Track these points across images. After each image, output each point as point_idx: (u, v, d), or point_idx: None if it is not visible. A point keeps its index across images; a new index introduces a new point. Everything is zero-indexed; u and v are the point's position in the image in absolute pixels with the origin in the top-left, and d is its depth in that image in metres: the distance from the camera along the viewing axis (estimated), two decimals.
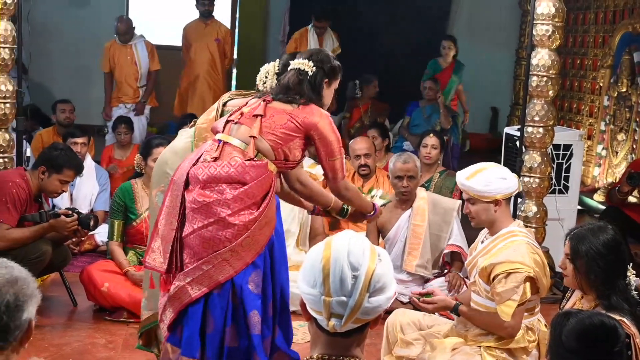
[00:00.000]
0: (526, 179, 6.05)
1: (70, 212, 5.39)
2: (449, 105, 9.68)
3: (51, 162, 5.33)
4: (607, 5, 9.66)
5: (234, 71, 11.28)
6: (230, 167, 3.65)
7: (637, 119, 8.70)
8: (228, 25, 10.98)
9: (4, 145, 5.78)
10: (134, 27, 9.42)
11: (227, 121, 3.85)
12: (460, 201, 5.85)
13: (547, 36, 5.92)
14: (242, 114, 3.83)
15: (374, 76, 9.78)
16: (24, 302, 2.14)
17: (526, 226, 4.74)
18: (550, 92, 6.02)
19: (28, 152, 6.55)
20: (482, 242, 4.21)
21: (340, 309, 2.07)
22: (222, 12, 10.82)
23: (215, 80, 9.78)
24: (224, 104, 4.06)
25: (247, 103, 3.90)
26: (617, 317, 3.03)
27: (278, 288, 3.82)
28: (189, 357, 3.63)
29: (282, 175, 4.03)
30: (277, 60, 4.08)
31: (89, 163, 7.21)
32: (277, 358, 3.83)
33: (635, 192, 7.19)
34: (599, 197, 8.95)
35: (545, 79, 5.98)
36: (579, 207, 7.32)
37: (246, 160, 3.68)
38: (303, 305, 2.17)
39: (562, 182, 6.84)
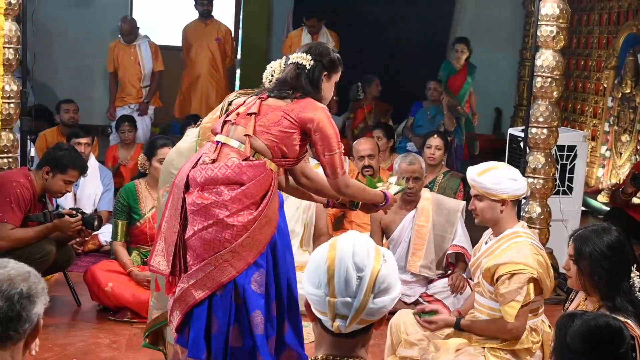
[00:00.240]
0: (530, 180, 6.04)
1: (74, 212, 5.40)
2: (463, 108, 9.63)
3: (55, 163, 5.34)
4: (611, 6, 9.65)
5: (238, 71, 11.28)
6: (227, 168, 3.65)
7: None
8: (231, 25, 10.98)
9: (8, 145, 5.79)
10: (138, 28, 9.43)
11: (225, 122, 3.84)
12: (464, 202, 5.85)
13: (552, 37, 5.92)
14: (238, 114, 3.82)
15: (374, 76, 9.75)
16: (35, 296, 2.17)
17: (530, 227, 4.74)
18: (555, 93, 6.02)
19: (32, 152, 6.57)
20: (486, 242, 4.21)
21: (345, 310, 2.07)
22: (225, 12, 10.82)
23: (216, 80, 9.78)
24: (229, 103, 4.05)
25: (244, 102, 3.87)
26: (622, 319, 3.03)
27: (284, 285, 3.81)
28: (195, 358, 3.64)
29: (287, 172, 4.03)
30: (284, 57, 4.06)
31: (92, 163, 7.21)
32: (287, 355, 3.83)
33: (639, 194, 7.18)
34: (602, 198, 8.94)
35: (549, 79, 5.97)
36: (583, 208, 7.31)
37: (243, 160, 3.67)
38: (308, 305, 2.17)
39: (566, 183, 6.83)
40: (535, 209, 6.12)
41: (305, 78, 3.81)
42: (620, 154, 9.11)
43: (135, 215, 5.65)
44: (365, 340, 2.17)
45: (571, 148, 6.80)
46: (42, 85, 10.32)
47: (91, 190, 7.16)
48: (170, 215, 3.78)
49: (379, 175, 6.79)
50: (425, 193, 5.86)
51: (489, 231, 4.25)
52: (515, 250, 3.96)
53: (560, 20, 5.92)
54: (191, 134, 4.20)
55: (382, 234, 5.89)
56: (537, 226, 6.05)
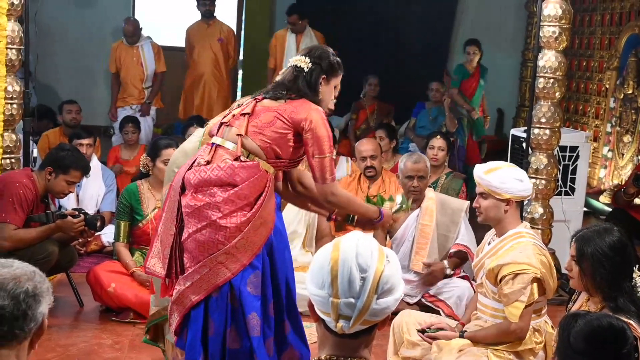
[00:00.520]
0: (532, 181, 6.04)
1: (76, 212, 5.40)
2: (477, 111, 9.56)
3: (58, 163, 5.34)
4: (614, 7, 9.65)
5: (240, 72, 11.28)
6: (219, 169, 3.65)
7: None
8: (234, 26, 10.98)
9: (11, 145, 5.79)
10: (141, 29, 9.44)
11: (221, 124, 3.84)
12: (468, 202, 5.86)
13: (554, 38, 5.92)
14: (233, 115, 3.82)
15: (372, 76, 9.72)
16: (40, 295, 2.17)
17: (532, 228, 4.74)
18: (557, 94, 6.02)
19: (35, 153, 6.57)
20: (489, 243, 4.21)
21: (349, 311, 2.08)
22: (228, 12, 10.82)
23: (219, 81, 9.76)
24: (239, 106, 4.05)
25: (241, 104, 3.88)
26: (625, 320, 3.03)
27: (282, 286, 3.80)
28: None
29: (285, 178, 4.03)
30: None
31: (95, 164, 7.21)
32: (289, 354, 3.83)
33: None
34: (604, 198, 8.95)
35: (551, 80, 5.97)
36: (585, 209, 7.31)
37: (235, 160, 3.67)
38: (311, 306, 2.17)
39: (568, 183, 6.83)
40: (538, 209, 6.12)
41: (302, 81, 3.79)
42: (623, 154, 9.11)
43: (138, 216, 5.65)
44: (368, 341, 2.17)
45: (573, 149, 6.80)
46: (45, 85, 10.34)
47: (93, 191, 7.16)
48: (167, 217, 3.79)
49: (381, 175, 6.80)
50: (429, 193, 5.86)
51: (492, 231, 4.25)
52: (519, 251, 3.96)
53: (563, 21, 5.92)
54: (195, 135, 4.21)
55: (386, 233, 5.90)
56: (540, 227, 6.05)
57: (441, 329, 4.19)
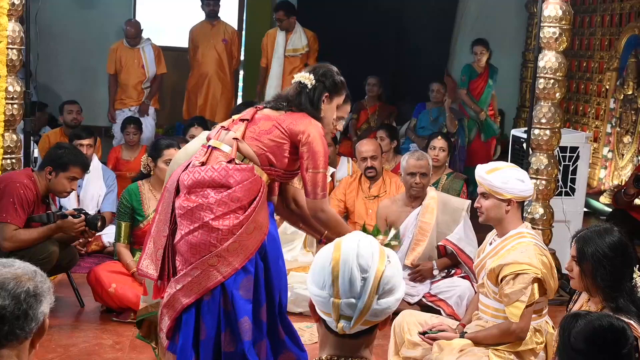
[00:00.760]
0: (533, 181, 6.04)
1: (77, 212, 5.40)
2: (486, 112, 9.50)
3: (57, 162, 5.33)
4: (614, 8, 9.65)
5: (241, 72, 11.28)
6: (213, 170, 3.66)
7: None
8: (235, 26, 10.98)
9: (11, 146, 5.80)
10: (142, 30, 9.44)
11: (220, 128, 3.88)
12: (469, 201, 5.88)
13: (554, 39, 5.93)
14: (233, 120, 3.87)
15: (371, 77, 9.71)
16: (41, 294, 2.17)
17: (533, 228, 4.75)
18: (557, 95, 6.03)
19: (35, 153, 6.57)
20: (490, 244, 4.22)
21: (349, 311, 2.08)
22: (229, 13, 10.82)
23: (223, 82, 9.73)
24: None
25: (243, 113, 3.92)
26: (625, 320, 3.03)
27: (276, 291, 3.81)
28: None
29: (280, 193, 4.03)
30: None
31: (95, 164, 7.21)
32: (285, 356, 3.84)
33: None
34: (604, 199, 8.95)
35: (552, 81, 5.98)
36: (585, 209, 7.31)
37: (229, 162, 3.68)
38: (312, 306, 2.17)
39: (569, 184, 6.83)
40: (538, 210, 6.13)
41: (305, 96, 3.83)
42: (622, 155, 9.11)
43: (139, 216, 5.65)
44: (369, 341, 2.17)
45: (573, 149, 6.81)
46: (46, 86, 10.34)
47: (94, 191, 7.16)
48: (160, 219, 3.80)
49: (381, 176, 6.80)
50: (431, 192, 5.89)
51: (493, 232, 4.26)
52: (520, 251, 3.97)
53: (563, 22, 5.92)
54: (200, 137, 4.22)
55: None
56: (540, 227, 6.05)
57: (442, 331, 4.20)
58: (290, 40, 9.31)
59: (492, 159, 9.41)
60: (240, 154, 3.73)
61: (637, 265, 3.52)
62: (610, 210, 8.09)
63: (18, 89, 5.76)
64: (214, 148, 3.78)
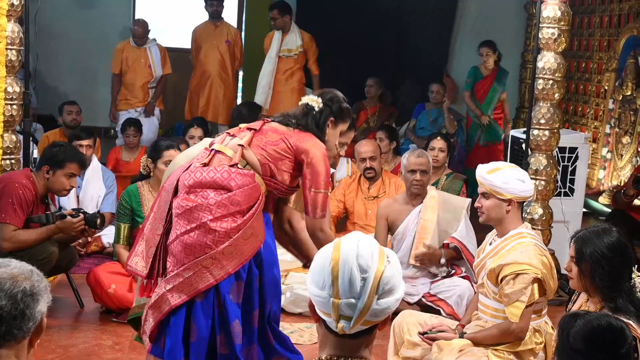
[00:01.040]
0: (532, 182, 6.05)
1: (75, 212, 5.39)
2: (490, 116, 9.38)
3: (52, 160, 5.32)
4: (612, 9, 9.66)
5: (240, 73, 11.29)
6: (216, 172, 3.68)
7: None
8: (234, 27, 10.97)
9: (11, 146, 5.80)
10: (149, 30, 9.43)
11: (226, 134, 3.92)
12: (470, 199, 5.89)
13: (553, 39, 5.93)
14: (240, 128, 3.91)
15: (370, 78, 9.68)
16: (38, 294, 2.16)
17: (532, 228, 4.76)
18: (556, 95, 6.03)
19: (35, 154, 6.57)
20: (490, 244, 4.23)
21: (349, 311, 2.08)
22: (229, 13, 10.82)
23: (225, 83, 9.68)
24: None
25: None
26: (624, 320, 3.04)
27: (269, 298, 3.83)
28: None
29: (275, 213, 4.04)
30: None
31: (95, 165, 7.21)
32: None
33: None
34: (604, 199, 8.95)
35: (551, 82, 5.99)
36: (584, 210, 7.32)
37: (231, 165, 3.71)
38: (312, 306, 2.18)
39: (568, 184, 6.84)
40: (537, 210, 6.13)
41: (311, 118, 3.91)
42: (621, 155, 9.12)
43: (138, 218, 5.63)
44: (369, 341, 2.18)
45: (572, 150, 6.81)
46: (46, 86, 10.34)
47: (94, 192, 7.15)
48: (155, 217, 3.80)
49: (381, 176, 6.80)
50: (431, 191, 5.90)
51: (493, 232, 4.27)
52: (520, 251, 3.98)
53: (562, 23, 5.93)
54: (203, 143, 4.23)
55: (388, 231, 5.93)
56: (539, 227, 6.06)
57: (442, 331, 4.20)
58: (286, 41, 9.30)
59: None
60: (243, 160, 3.77)
61: (636, 266, 3.52)
62: (609, 210, 8.10)
63: (17, 89, 5.76)
64: (217, 151, 3.80)
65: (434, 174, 6.77)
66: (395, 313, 4.06)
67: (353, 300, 2.08)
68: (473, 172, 4.45)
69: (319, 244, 3.87)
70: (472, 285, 5.47)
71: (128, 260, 3.89)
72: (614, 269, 3.43)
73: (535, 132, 6.09)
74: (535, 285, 3.91)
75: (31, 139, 6.15)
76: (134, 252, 3.87)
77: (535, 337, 4.05)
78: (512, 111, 12.01)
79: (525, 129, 6.37)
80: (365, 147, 6.77)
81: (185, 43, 10.13)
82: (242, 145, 3.78)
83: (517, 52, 11.88)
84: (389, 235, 5.93)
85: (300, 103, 4.02)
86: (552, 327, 4.11)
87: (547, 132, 6.06)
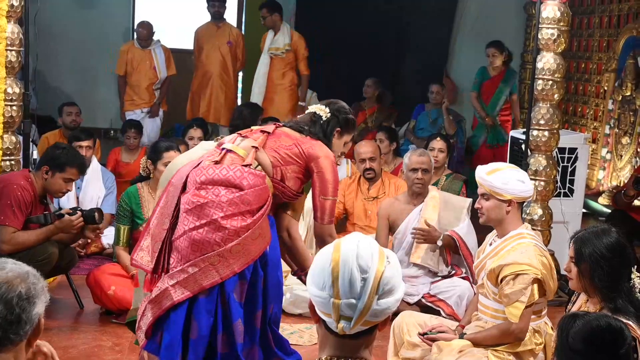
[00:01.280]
0: (531, 182, 6.05)
1: (72, 210, 5.38)
2: (495, 118, 9.27)
3: (54, 162, 5.32)
4: (612, 9, 9.67)
5: (240, 73, 11.29)
6: (228, 170, 3.70)
7: None
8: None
9: (10, 147, 5.80)
10: (154, 32, 9.42)
11: (237, 135, 3.95)
12: (470, 199, 5.90)
13: (553, 40, 5.94)
14: (251, 130, 3.96)
15: (369, 79, 9.66)
16: (34, 296, 2.15)
17: (532, 229, 4.76)
18: (556, 96, 6.04)
19: (35, 155, 6.57)
20: (490, 244, 4.23)
21: (349, 311, 2.09)
22: (229, 13, 10.81)
23: (227, 84, 9.65)
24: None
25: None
26: (624, 320, 3.04)
27: (272, 300, 3.84)
28: None
29: (275, 219, 4.06)
30: (309, 100, 4.21)
31: (94, 166, 7.20)
32: None
33: None
34: (603, 200, 8.96)
35: (550, 82, 5.99)
36: (584, 210, 7.32)
37: (244, 165, 3.72)
38: (312, 307, 2.18)
39: (567, 185, 6.84)
40: (537, 211, 6.13)
41: (319, 127, 4.00)
42: (621, 156, 9.13)
43: (138, 219, 5.63)
44: (369, 342, 2.18)
45: (572, 150, 6.81)
46: (46, 87, 10.34)
47: (94, 192, 7.15)
48: (162, 212, 3.80)
49: (380, 177, 6.81)
50: (432, 191, 5.91)
51: (493, 233, 4.27)
52: (520, 252, 3.98)
53: (561, 23, 5.93)
54: (205, 146, 4.25)
55: (389, 230, 5.93)
56: (539, 228, 6.06)
57: (442, 332, 4.20)
58: (275, 40, 9.32)
59: None
60: (255, 161, 3.82)
61: (635, 266, 3.53)
62: (609, 211, 8.10)
63: (17, 90, 5.76)
64: (229, 150, 3.82)
65: (434, 174, 6.78)
66: (395, 314, 4.08)
67: (353, 301, 2.08)
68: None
69: None
70: (472, 286, 5.48)
71: (133, 254, 3.90)
72: (613, 269, 3.43)
73: (535, 132, 6.09)
74: (535, 285, 3.92)
75: (31, 140, 6.15)
76: (139, 246, 3.87)
77: (535, 338, 4.05)
78: None
79: (524, 129, 6.37)
80: (364, 148, 6.77)
81: (185, 44, 10.12)
82: (255, 147, 3.82)
83: (517, 53, 11.87)
84: (390, 237, 5.94)
85: (307, 111, 4.09)
86: (551, 328, 4.11)
87: (546, 133, 6.06)
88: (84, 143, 7.10)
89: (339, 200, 6.74)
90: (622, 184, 8.55)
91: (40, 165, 5.35)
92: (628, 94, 9.02)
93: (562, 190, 6.76)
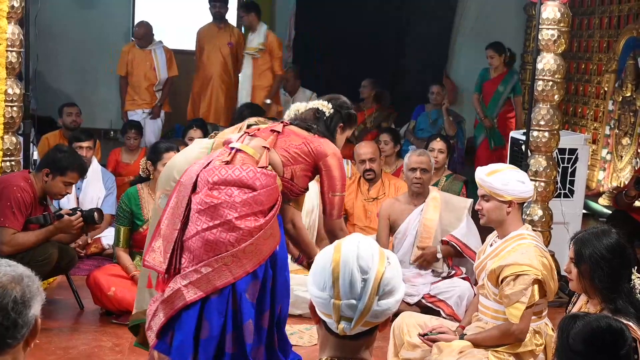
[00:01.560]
0: (532, 183, 6.05)
1: (72, 211, 5.38)
2: (494, 120, 9.13)
3: (55, 165, 5.32)
4: (612, 10, 9.67)
5: (240, 75, 11.29)
6: (241, 171, 3.71)
7: None
8: None
9: (11, 148, 5.80)
10: (153, 34, 9.40)
11: (243, 134, 3.96)
12: (471, 200, 5.91)
13: (553, 41, 5.94)
14: (259, 129, 3.98)
15: (366, 80, 9.63)
16: (30, 299, 2.13)
17: (532, 230, 4.76)
18: (556, 97, 6.04)
19: (35, 155, 6.57)
20: (491, 245, 4.23)
21: (350, 312, 2.08)
22: (228, 15, 10.81)
23: (227, 85, 9.61)
24: (248, 127, 4.16)
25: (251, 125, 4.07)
26: (624, 321, 3.04)
27: (279, 300, 3.86)
28: None
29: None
30: (309, 102, 4.22)
31: (95, 167, 7.20)
32: None
33: None
34: (603, 201, 8.95)
35: (550, 83, 5.99)
36: (584, 211, 7.32)
37: (258, 167, 3.75)
38: (312, 308, 2.18)
39: (568, 186, 6.84)
40: (537, 211, 6.13)
41: (322, 124, 4.03)
42: (621, 157, 9.13)
43: (138, 221, 5.62)
44: (369, 342, 2.18)
45: (572, 151, 6.81)
46: (45, 88, 10.33)
47: (94, 193, 7.14)
48: (173, 212, 3.80)
49: (380, 178, 6.81)
50: (433, 192, 5.92)
51: (494, 233, 4.27)
52: (520, 252, 3.98)
53: (561, 24, 5.93)
54: (201, 144, 4.24)
55: (389, 230, 5.94)
56: (539, 229, 6.05)
57: (442, 333, 4.20)
58: (252, 37, 9.35)
59: None
60: (267, 160, 3.83)
61: (636, 267, 3.53)
62: (609, 212, 8.10)
63: (17, 91, 5.76)
64: (239, 150, 3.82)
65: (434, 175, 6.78)
66: (395, 314, 4.08)
67: (354, 302, 2.08)
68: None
69: None
70: (472, 287, 5.48)
71: (145, 255, 3.88)
72: (613, 270, 3.43)
73: (535, 133, 6.09)
74: (536, 286, 3.92)
75: (31, 141, 6.15)
76: (150, 248, 3.86)
77: (536, 339, 4.05)
78: None
79: (525, 130, 6.37)
80: (364, 149, 6.78)
81: (185, 44, 10.12)
82: (267, 147, 3.83)
83: (517, 53, 11.89)
84: (390, 236, 5.94)
85: (308, 107, 4.10)
86: (552, 329, 4.11)
87: (546, 134, 6.06)
88: (85, 144, 7.11)
89: None
90: (622, 185, 8.55)
91: (41, 168, 5.35)
92: (628, 94, 9.02)
93: (562, 191, 6.75)
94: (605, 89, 9.66)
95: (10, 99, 5.72)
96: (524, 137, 6.36)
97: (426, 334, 4.21)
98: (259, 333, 3.76)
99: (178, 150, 5.66)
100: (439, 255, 5.75)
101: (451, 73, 11.35)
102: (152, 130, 9.05)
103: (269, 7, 11.75)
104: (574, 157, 6.81)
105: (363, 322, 2.09)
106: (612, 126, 9.44)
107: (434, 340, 4.15)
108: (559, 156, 6.63)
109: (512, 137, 7.18)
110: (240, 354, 3.69)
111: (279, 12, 11.85)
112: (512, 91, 9.23)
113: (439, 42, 11.40)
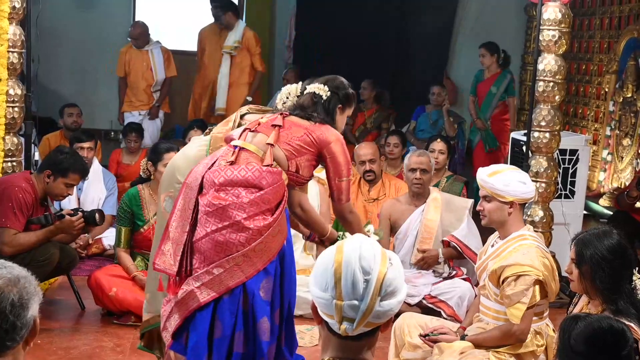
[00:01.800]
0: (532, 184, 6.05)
1: (73, 211, 5.39)
2: (487, 121, 8.97)
3: (57, 166, 5.33)
4: (613, 11, 9.67)
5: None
6: (247, 171, 3.70)
7: None
8: None
9: (12, 149, 5.81)
10: (149, 34, 9.39)
11: (244, 129, 3.92)
12: (472, 200, 5.91)
13: (554, 41, 5.94)
14: (259, 123, 3.93)
15: (365, 81, 9.64)
16: (27, 300, 2.13)
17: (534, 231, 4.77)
18: (557, 97, 6.04)
19: (36, 156, 6.57)
20: (492, 245, 4.24)
21: (352, 313, 2.09)
22: None
23: None
24: (242, 117, 4.14)
25: (263, 117, 4.00)
26: (625, 322, 3.04)
27: (286, 298, 3.86)
28: None
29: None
30: (300, 83, 4.18)
31: (96, 167, 7.20)
32: None
33: None
34: (604, 202, 8.95)
35: (551, 84, 5.99)
36: (585, 212, 7.32)
37: (263, 166, 3.74)
38: (314, 308, 2.18)
39: (568, 186, 6.84)
40: (538, 212, 6.13)
41: (321, 107, 3.98)
42: (622, 157, 9.13)
43: (139, 221, 5.63)
44: (371, 343, 2.18)
45: (573, 152, 6.81)
46: (45, 89, 10.34)
47: (95, 194, 7.14)
48: (181, 215, 3.79)
49: (380, 179, 6.81)
50: (434, 192, 5.93)
51: (495, 234, 4.28)
52: (522, 253, 3.98)
53: (562, 25, 5.94)
54: (198, 141, 4.23)
55: (390, 231, 5.94)
56: (540, 230, 6.05)
57: (443, 333, 4.21)
58: (229, 37, 9.34)
59: None
60: (272, 157, 3.82)
61: (637, 268, 3.53)
62: (610, 213, 8.10)
63: (19, 92, 5.77)
64: (241, 148, 3.82)
65: (434, 176, 6.78)
66: (397, 315, 4.08)
67: (356, 302, 2.08)
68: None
69: (351, 225, 4.14)
70: (473, 287, 5.48)
71: (155, 259, 3.87)
72: (614, 271, 3.43)
73: (536, 134, 6.09)
74: (537, 287, 3.92)
75: (32, 141, 6.16)
76: (160, 251, 3.85)
77: (537, 340, 4.06)
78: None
79: (525, 131, 6.38)
80: (364, 150, 6.78)
81: (186, 45, 10.11)
82: (271, 144, 3.81)
83: (517, 54, 11.89)
84: (391, 236, 5.95)
85: (305, 92, 4.05)
86: (553, 330, 4.12)
87: (547, 135, 6.06)
88: (86, 144, 7.11)
89: None
90: (622, 186, 8.56)
91: (43, 169, 5.35)
92: (629, 95, 9.02)
93: (563, 192, 6.76)
94: (606, 89, 9.66)
95: (12, 99, 5.73)
96: (524, 138, 6.36)
97: (427, 335, 4.21)
98: (273, 330, 3.76)
99: (178, 151, 5.66)
100: (441, 258, 5.77)
101: (451, 74, 11.35)
102: (152, 131, 9.04)
103: (269, 7, 11.76)
104: (574, 158, 6.81)
105: (365, 323, 2.10)
106: (613, 127, 9.44)
107: (435, 341, 4.15)
108: (560, 157, 6.64)
109: (513, 138, 7.18)
110: (246, 353, 3.68)
111: (279, 12, 11.86)
112: (505, 92, 9.08)
113: (439, 43, 11.40)
